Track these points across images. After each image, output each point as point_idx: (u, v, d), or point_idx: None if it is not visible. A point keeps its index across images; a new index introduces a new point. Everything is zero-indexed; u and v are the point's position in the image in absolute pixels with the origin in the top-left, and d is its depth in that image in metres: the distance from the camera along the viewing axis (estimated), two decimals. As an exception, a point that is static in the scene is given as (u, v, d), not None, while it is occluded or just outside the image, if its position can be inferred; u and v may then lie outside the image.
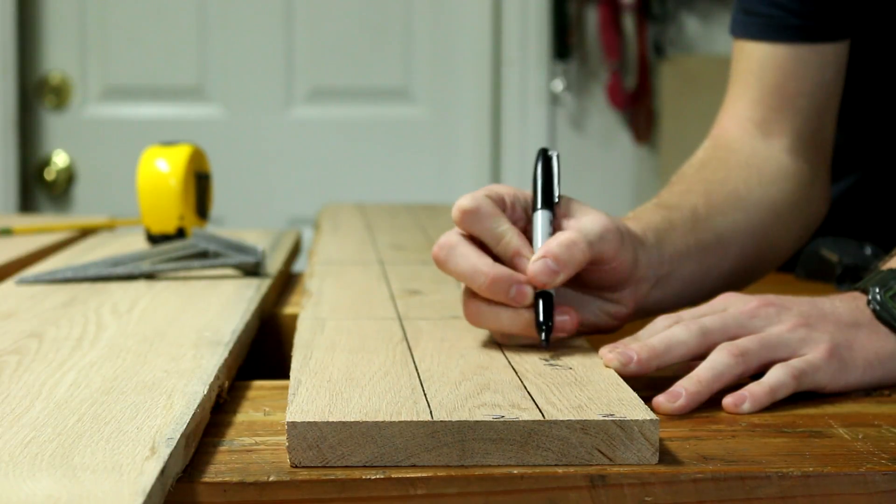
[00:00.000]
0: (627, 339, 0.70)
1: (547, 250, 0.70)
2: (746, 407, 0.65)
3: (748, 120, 1.00)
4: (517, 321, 0.70)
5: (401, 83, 2.64)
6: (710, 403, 0.66)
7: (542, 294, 0.69)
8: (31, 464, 0.49)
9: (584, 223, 0.72)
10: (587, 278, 0.75)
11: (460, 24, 2.63)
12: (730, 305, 0.72)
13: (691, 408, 0.65)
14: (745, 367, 0.68)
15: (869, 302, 0.72)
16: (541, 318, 0.69)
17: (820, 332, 0.70)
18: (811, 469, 0.56)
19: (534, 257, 0.70)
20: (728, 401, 0.66)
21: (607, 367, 0.66)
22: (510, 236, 0.71)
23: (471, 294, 0.71)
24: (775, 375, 0.67)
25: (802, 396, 0.68)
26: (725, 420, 0.64)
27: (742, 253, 0.89)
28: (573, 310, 0.72)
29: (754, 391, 0.66)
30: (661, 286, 0.80)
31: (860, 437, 0.61)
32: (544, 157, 0.77)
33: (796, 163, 0.98)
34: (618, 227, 0.74)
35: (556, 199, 0.74)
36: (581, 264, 0.71)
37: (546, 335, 0.69)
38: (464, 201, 0.72)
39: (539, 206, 0.74)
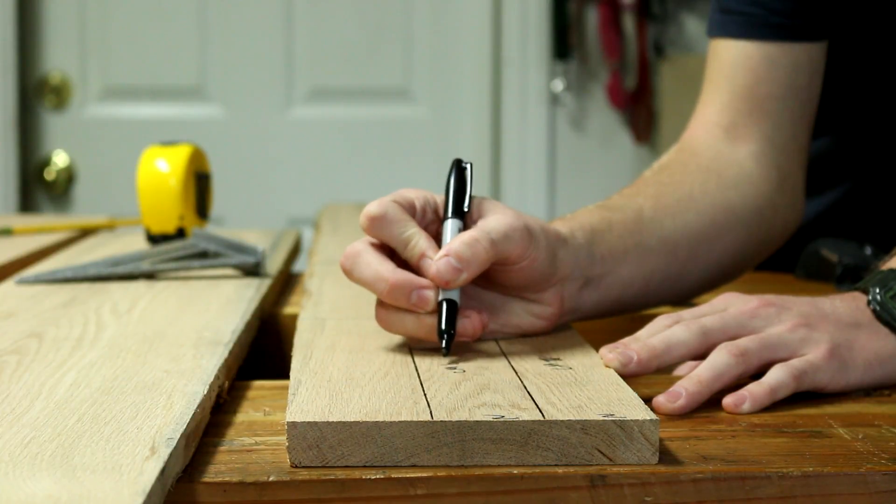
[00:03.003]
0: (628, 339, 0.70)
1: (449, 249, 0.69)
2: (746, 407, 0.65)
3: (716, 125, 0.98)
4: (420, 327, 0.69)
5: (401, 83, 2.64)
6: (710, 403, 0.66)
7: (445, 300, 0.69)
8: (31, 464, 0.49)
9: (490, 222, 0.71)
10: (504, 279, 0.73)
11: (460, 24, 2.63)
12: (730, 305, 0.72)
13: (691, 408, 0.65)
14: (745, 367, 0.68)
15: (869, 302, 0.72)
16: (442, 326, 0.68)
17: (820, 333, 0.70)
18: (811, 469, 0.56)
19: (436, 256, 0.69)
20: (728, 401, 0.66)
21: (607, 367, 0.66)
22: (416, 239, 0.71)
23: (379, 301, 0.71)
24: (775, 375, 0.67)
25: (802, 396, 0.68)
26: (725, 420, 0.64)
27: (692, 256, 0.87)
28: (477, 312, 0.70)
29: (754, 391, 0.66)
30: (594, 287, 0.78)
31: (860, 437, 0.61)
32: (458, 167, 0.77)
33: (763, 169, 0.96)
34: (526, 224, 0.72)
35: (466, 209, 0.74)
36: (485, 262, 0.69)
37: (447, 342, 0.68)
38: (371, 207, 0.71)
39: (450, 214, 0.74)
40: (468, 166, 0.77)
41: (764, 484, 0.55)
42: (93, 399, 0.59)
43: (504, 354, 0.69)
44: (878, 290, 0.72)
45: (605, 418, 0.55)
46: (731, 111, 0.98)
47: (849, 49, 1.05)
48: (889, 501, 0.55)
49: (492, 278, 0.73)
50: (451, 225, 0.73)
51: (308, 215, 2.50)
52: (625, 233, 0.81)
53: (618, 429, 0.55)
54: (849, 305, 0.73)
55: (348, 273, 0.70)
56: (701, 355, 0.69)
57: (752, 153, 0.97)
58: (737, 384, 0.67)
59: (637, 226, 0.83)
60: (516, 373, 0.64)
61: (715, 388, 0.66)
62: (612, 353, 0.68)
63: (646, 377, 0.71)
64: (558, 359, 0.68)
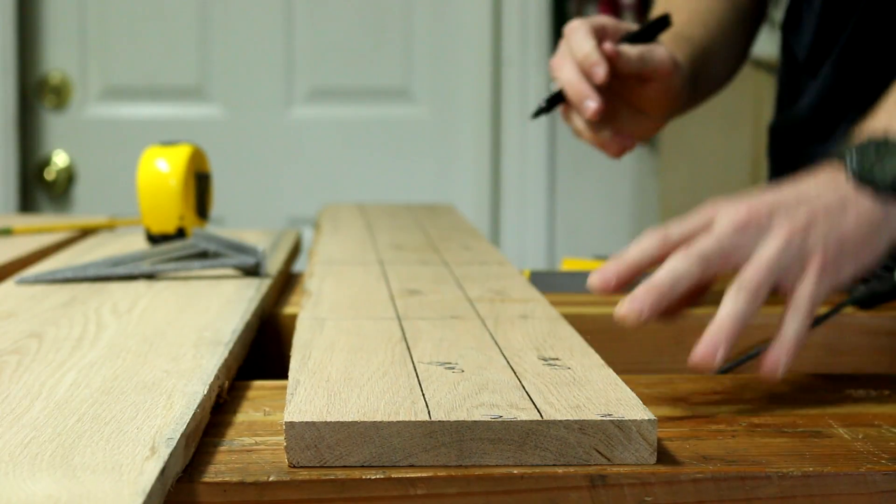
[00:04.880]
0: (635, 291, 0.69)
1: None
2: (784, 363, 0.66)
3: None
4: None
5: (401, 83, 2.64)
6: (710, 403, 0.67)
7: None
8: (31, 464, 0.49)
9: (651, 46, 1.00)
10: (638, 98, 1.01)
11: (460, 24, 2.63)
12: (717, 215, 0.71)
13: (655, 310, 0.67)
14: (709, 271, 0.69)
15: (847, 170, 0.73)
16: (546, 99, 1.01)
17: (814, 240, 0.70)
18: (811, 469, 0.56)
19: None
20: (766, 368, 0.66)
21: (623, 323, 0.67)
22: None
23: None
24: (791, 326, 0.67)
25: (803, 396, 0.68)
26: (725, 420, 0.64)
27: (738, 48, 1.18)
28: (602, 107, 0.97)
29: (781, 347, 0.67)
30: (686, 105, 1.06)
31: (860, 437, 0.61)
32: (663, 20, 1.02)
33: None
34: (675, 58, 1.01)
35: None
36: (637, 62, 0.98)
37: (536, 111, 1.02)
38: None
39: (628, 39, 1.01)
40: (667, 23, 1.03)
41: (764, 484, 0.55)
42: (93, 399, 0.59)
43: (503, 354, 0.69)
44: (854, 156, 0.73)
45: (604, 418, 0.55)
46: None
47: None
48: (889, 501, 0.55)
49: (629, 98, 1.01)
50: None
51: (308, 215, 2.50)
52: (710, 56, 1.10)
53: (616, 429, 0.55)
54: (830, 186, 0.73)
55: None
56: (703, 285, 0.71)
57: None
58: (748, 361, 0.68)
59: (710, 41, 1.10)
60: (515, 373, 0.64)
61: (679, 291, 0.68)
62: (623, 309, 0.67)
63: (646, 377, 0.71)
64: (557, 359, 0.68)
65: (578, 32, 0.98)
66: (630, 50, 0.98)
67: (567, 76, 0.98)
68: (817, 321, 0.93)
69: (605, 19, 1.00)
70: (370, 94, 2.64)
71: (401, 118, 2.65)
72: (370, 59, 2.63)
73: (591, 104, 0.96)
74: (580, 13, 2.58)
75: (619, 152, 1.02)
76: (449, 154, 2.65)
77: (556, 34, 2.57)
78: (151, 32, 2.60)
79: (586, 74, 0.97)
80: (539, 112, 1.03)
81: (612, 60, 0.97)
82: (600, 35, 0.99)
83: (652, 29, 1.01)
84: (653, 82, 1.00)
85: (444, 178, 2.64)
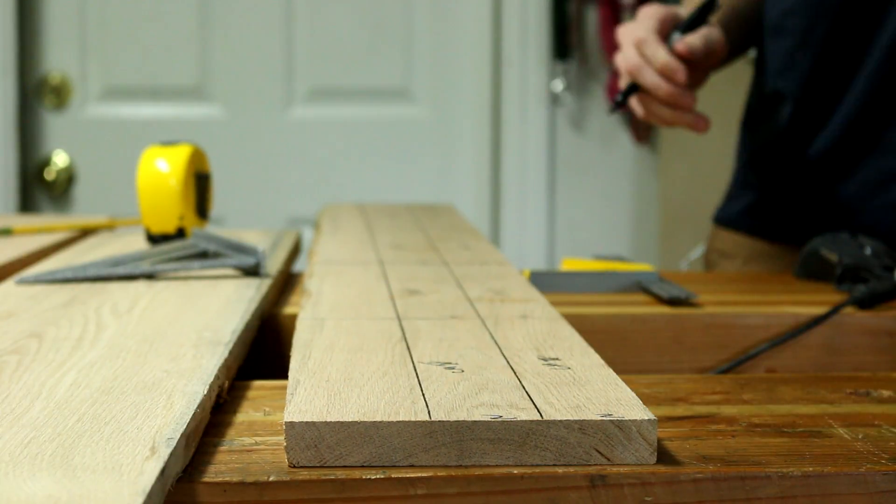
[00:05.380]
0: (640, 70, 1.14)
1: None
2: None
3: None
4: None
5: (401, 83, 2.64)
6: (710, 403, 0.67)
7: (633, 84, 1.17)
8: (31, 464, 0.49)
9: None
10: (693, 68, 1.17)
11: (460, 24, 2.63)
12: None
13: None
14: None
15: None
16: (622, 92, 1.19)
17: None
18: (811, 469, 0.56)
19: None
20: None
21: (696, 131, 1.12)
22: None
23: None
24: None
25: (803, 396, 0.68)
26: (725, 420, 0.64)
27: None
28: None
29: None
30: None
31: (860, 437, 0.61)
32: (712, 3, 1.16)
33: None
34: (722, 37, 1.19)
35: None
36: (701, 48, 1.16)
37: (613, 106, 1.19)
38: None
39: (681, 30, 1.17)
40: (714, 6, 1.17)
41: (764, 484, 0.55)
42: (93, 399, 0.59)
43: (503, 354, 0.69)
44: None
45: (604, 418, 0.55)
46: None
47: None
48: (889, 501, 0.55)
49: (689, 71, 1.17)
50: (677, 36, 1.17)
51: (308, 215, 2.50)
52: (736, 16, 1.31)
53: (616, 429, 0.55)
54: None
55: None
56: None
57: None
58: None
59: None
60: (515, 373, 0.64)
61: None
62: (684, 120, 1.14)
63: (646, 377, 0.71)
64: (557, 359, 0.68)
65: (650, 42, 1.14)
66: (695, 42, 1.14)
67: (652, 81, 1.14)
68: (817, 321, 0.93)
69: (657, 12, 1.16)
70: (370, 94, 2.64)
71: (401, 118, 2.65)
72: (370, 59, 2.63)
73: (691, 110, 1.16)
74: (580, 13, 2.58)
75: (706, 126, 1.17)
76: (449, 154, 2.65)
77: (557, 34, 2.57)
78: (151, 32, 2.60)
79: (669, 80, 1.14)
80: (617, 106, 1.19)
81: (685, 56, 1.14)
82: (662, 31, 1.16)
83: (703, 13, 1.16)
84: (709, 58, 1.18)
85: (444, 178, 2.64)
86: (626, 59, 1.16)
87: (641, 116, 1.21)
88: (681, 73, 1.13)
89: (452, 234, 1.26)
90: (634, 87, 1.17)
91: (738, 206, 1.36)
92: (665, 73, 1.13)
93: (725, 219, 1.37)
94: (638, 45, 1.15)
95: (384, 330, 0.75)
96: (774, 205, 1.31)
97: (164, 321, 0.80)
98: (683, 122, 1.18)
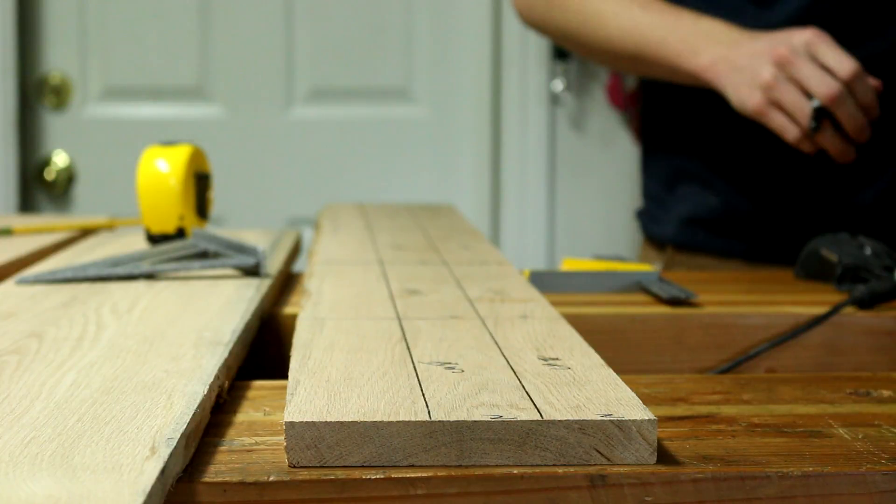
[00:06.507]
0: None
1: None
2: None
3: None
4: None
5: (401, 83, 2.64)
6: (710, 403, 0.67)
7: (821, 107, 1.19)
8: (31, 464, 0.49)
9: None
10: None
11: (460, 24, 2.63)
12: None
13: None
14: None
15: None
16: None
17: None
18: (811, 469, 0.56)
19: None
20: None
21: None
22: None
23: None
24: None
25: (803, 396, 0.68)
26: (725, 420, 0.64)
27: None
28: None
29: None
30: None
31: (860, 437, 0.61)
32: None
33: None
34: None
35: None
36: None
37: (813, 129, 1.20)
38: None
39: None
40: None
41: (764, 484, 0.55)
42: (93, 399, 0.59)
43: (503, 354, 0.69)
44: None
45: (604, 418, 0.55)
46: None
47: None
48: (889, 501, 0.55)
49: None
50: None
51: (308, 215, 2.50)
52: None
53: (616, 429, 0.55)
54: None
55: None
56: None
57: None
58: None
59: None
60: (515, 373, 0.64)
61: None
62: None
63: (646, 377, 0.71)
64: (557, 359, 0.68)
65: (861, 76, 1.17)
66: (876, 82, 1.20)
67: (851, 113, 1.17)
68: (817, 321, 0.93)
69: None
70: (370, 94, 2.64)
71: (401, 118, 2.65)
72: (370, 59, 2.63)
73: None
74: (580, 13, 2.57)
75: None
76: (449, 154, 2.65)
77: (556, 34, 2.57)
78: (151, 32, 2.60)
79: (868, 116, 1.19)
80: (814, 130, 1.19)
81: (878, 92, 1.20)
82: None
83: None
84: None
85: (444, 178, 2.64)
86: (827, 85, 1.16)
87: (837, 152, 1.21)
88: (876, 111, 1.18)
89: (452, 234, 1.26)
90: (824, 113, 1.18)
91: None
92: (868, 115, 1.18)
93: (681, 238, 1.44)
94: (850, 77, 1.16)
95: (384, 330, 0.75)
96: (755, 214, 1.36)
97: (164, 321, 0.80)
98: (851, 158, 1.21)
